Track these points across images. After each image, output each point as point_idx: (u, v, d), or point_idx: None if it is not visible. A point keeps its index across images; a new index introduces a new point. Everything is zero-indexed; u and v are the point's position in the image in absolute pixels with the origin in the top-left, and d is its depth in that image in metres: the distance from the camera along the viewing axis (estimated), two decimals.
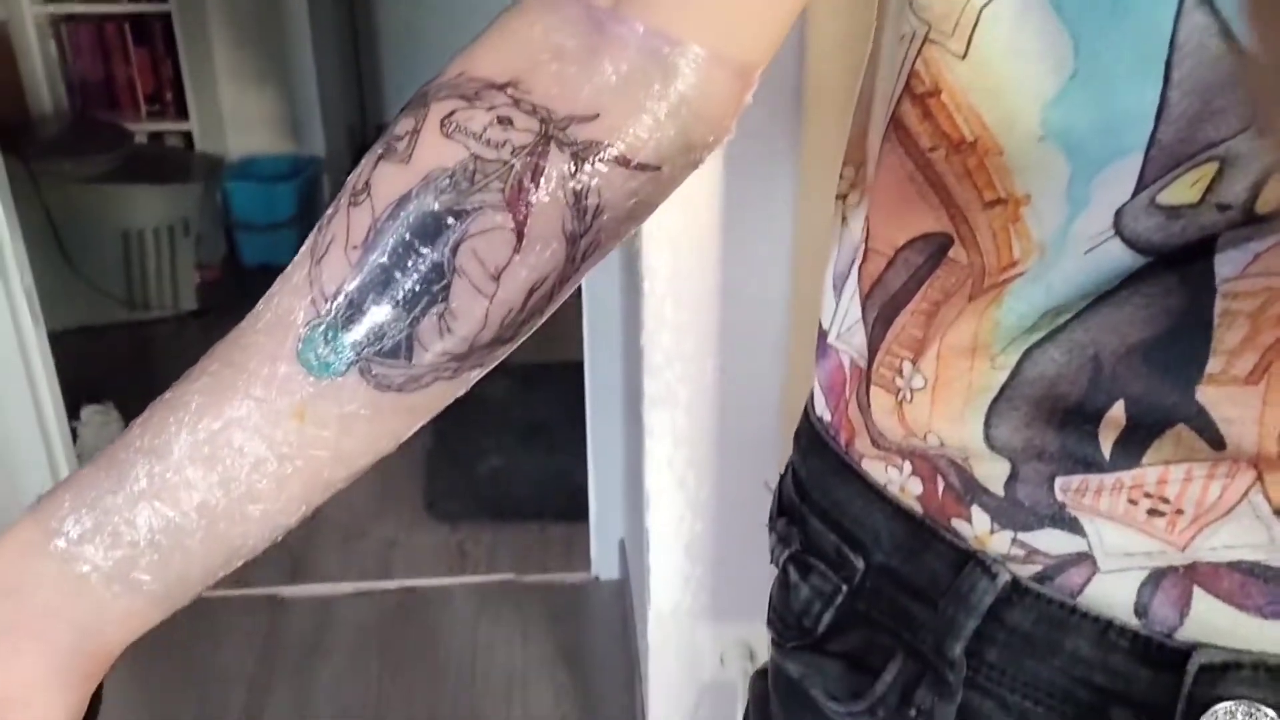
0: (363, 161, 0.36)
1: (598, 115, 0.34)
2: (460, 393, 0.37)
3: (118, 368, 2.35)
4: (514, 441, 2.18)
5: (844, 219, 0.46)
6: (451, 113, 0.34)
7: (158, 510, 0.34)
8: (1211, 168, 0.30)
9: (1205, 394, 0.33)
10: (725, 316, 1.25)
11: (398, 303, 0.33)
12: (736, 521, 1.35)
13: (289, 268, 0.36)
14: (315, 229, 0.36)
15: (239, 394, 0.34)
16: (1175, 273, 0.32)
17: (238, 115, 3.05)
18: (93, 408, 2.01)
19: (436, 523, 1.97)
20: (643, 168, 0.34)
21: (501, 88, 0.34)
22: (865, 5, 0.97)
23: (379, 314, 0.33)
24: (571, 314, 2.14)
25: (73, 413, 1.92)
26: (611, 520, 1.82)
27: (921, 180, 0.38)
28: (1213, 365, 0.33)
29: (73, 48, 2.85)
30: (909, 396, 0.40)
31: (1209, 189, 0.30)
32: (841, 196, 0.47)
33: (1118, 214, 0.32)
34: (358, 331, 0.34)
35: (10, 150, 2.33)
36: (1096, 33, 0.31)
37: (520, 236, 0.33)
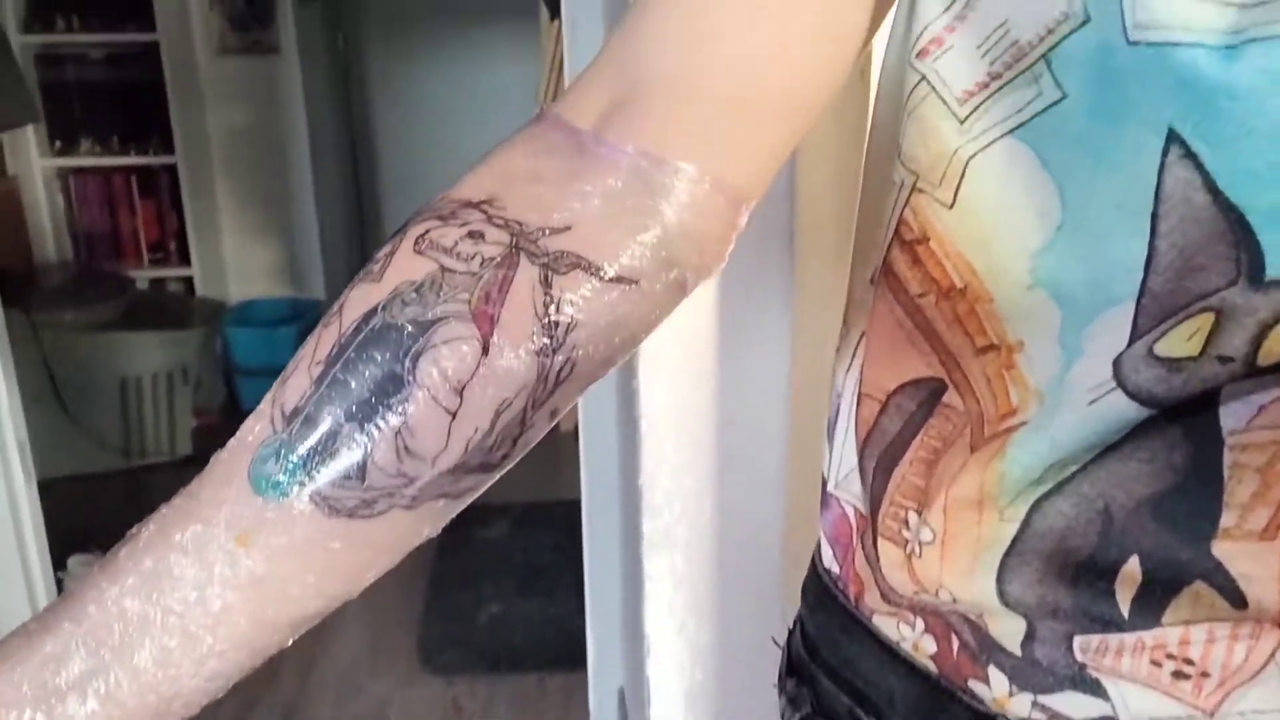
0: (345, 290, 0.35)
1: (570, 228, 0.33)
2: (429, 532, 0.34)
3: (111, 515, 2.29)
4: (512, 587, 2.13)
5: (844, 370, 0.45)
6: (426, 231, 0.34)
7: (102, 662, 0.31)
8: (1208, 319, 0.30)
9: (1221, 549, 0.32)
10: (724, 454, 1.24)
11: (355, 418, 0.31)
12: (739, 669, 1.30)
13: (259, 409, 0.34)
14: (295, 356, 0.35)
15: (189, 521, 0.32)
16: (1180, 425, 0.32)
17: (240, 262, 3.11)
18: (80, 558, 1.97)
19: (432, 676, 1.90)
20: (618, 280, 0.33)
21: (477, 205, 0.34)
22: (853, 149, 1.00)
23: (334, 429, 0.31)
24: (569, 452, 2.13)
25: (60, 562, 1.88)
26: (610, 668, 1.75)
27: (911, 326, 0.38)
28: (1226, 520, 0.32)
29: (79, 199, 2.92)
30: (918, 550, 0.38)
31: (1208, 341, 0.30)
32: (838, 348, 0.47)
33: (1116, 364, 0.32)
34: (310, 449, 0.31)
35: (12, 300, 2.37)
36: (1082, 185, 0.31)
37: (485, 349, 0.32)
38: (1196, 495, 0.32)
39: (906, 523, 0.39)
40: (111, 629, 0.31)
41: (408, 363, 0.31)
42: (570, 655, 1.85)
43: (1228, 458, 0.31)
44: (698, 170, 0.34)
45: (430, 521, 0.34)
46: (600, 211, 0.33)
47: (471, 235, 0.33)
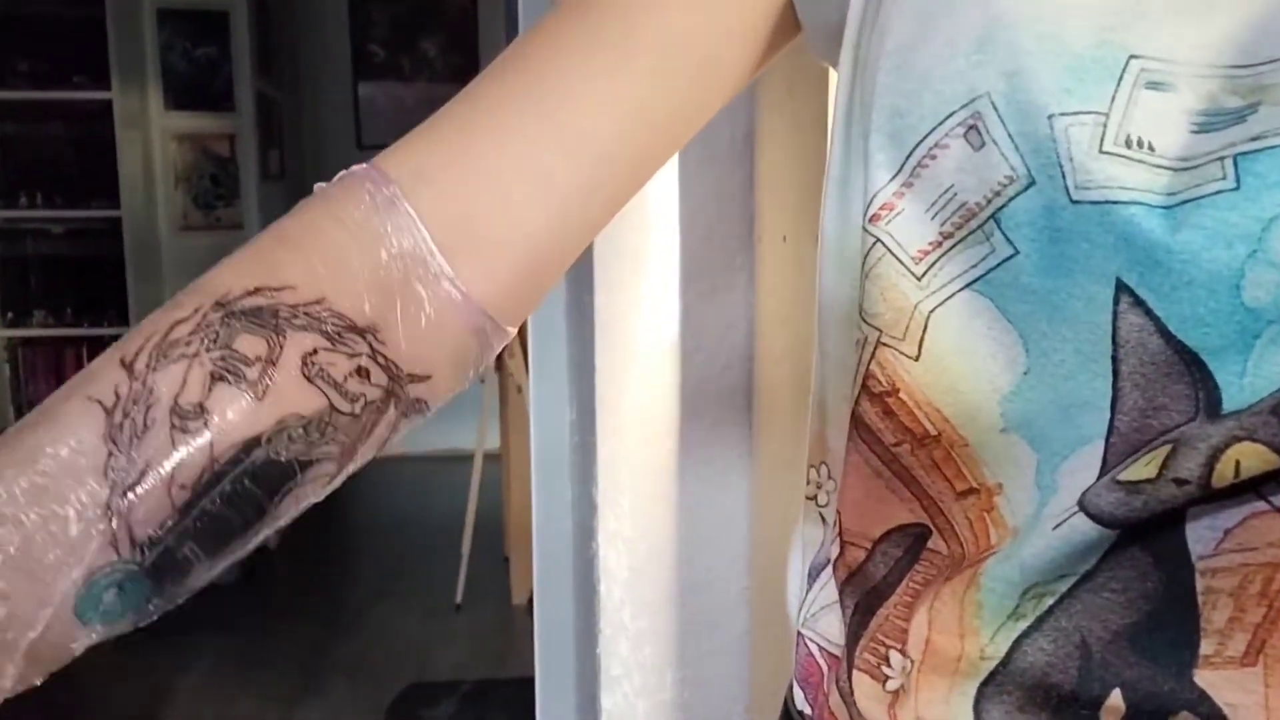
0: (184, 369, 0.31)
1: (430, 377, 0.36)
2: None
3: None
4: None
5: (822, 519, 0.45)
6: (315, 351, 0.33)
7: None
8: (1166, 449, 0.31)
9: (1204, 678, 0.32)
10: (684, 621, 1.21)
11: (214, 549, 0.31)
12: None
13: (47, 474, 0.29)
14: (107, 429, 0.30)
15: None
16: (1149, 554, 0.32)
17: None
18: None
19: None
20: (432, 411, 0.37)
21: (363, 333, 0.34)
22: (810, 317, 1.03)
23: (191, 563, 0.30)
24: (521, 628, 2.06)
25: None
26: None
27: (890, 475, 0.38)
28: (1205, 647, 0.32)
29: (28, 369, 2.89)
30: (902, 684, 0.38)
31: (1164, 465, 0.31)
32: (811, 497, 0.47)
33: (1081, 494, 0.32)
34: (160, 581, 0.30)
35: None
36: (1043, 333, 0.32)
37: (334, 478, 0.34)
38: (1173, 624, 0.32)
39: (887, 659, 0.39)
40: None
41: (278, 499, 0.32)
42: None
43: (1200, 583, 0.31)
44: (510, 328, 0.38)
45: None
46: (452, 365, 0.36)
47: (359, 373, 0.34)
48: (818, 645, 0.43)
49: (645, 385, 1.15)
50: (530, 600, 1.62)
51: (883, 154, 0.35)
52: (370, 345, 0.34)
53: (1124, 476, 0.31)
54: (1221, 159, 0.29)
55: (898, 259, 0.35)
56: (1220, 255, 0.28)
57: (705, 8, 0.39)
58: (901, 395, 0.36)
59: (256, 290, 0.33)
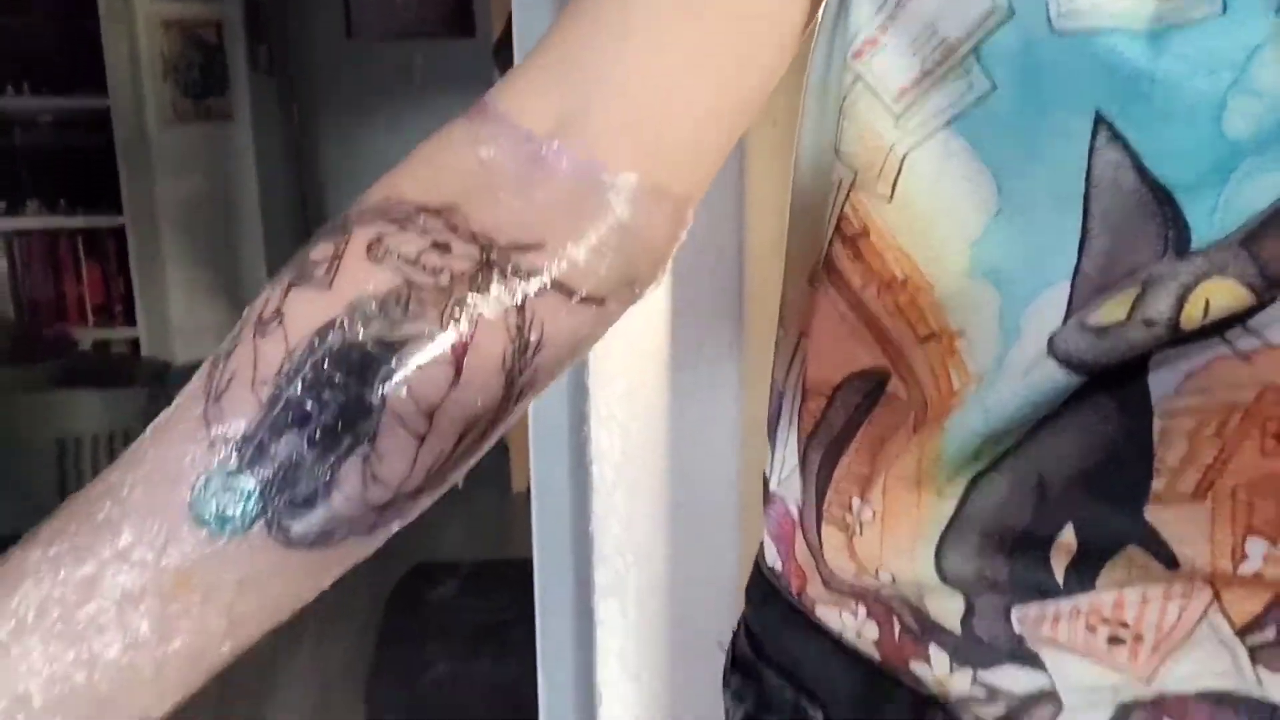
0: (267, 290, 0.32)
1: (542, 244, 0.32)
2: (369, 551, 0.33)
3: None
4: (462, 647, 2.09)
5: (785, 369, 0.47)
6: (380, 237, 0.32)
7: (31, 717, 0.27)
8: (1135, 289, 0.31)
9: (1153, 513, 0.33)
10: (675, 502, 1.24)
11: (317, 445, 0.29)
12: (694, 716, 1.29)
13: (172, 409, 0.31)
14: (209, 364, 0.31)
15: (111, 560, 0.28)
16: (1111, 396, 0.33)
17: (187, 323, 3.08)
18: None
19: None
20: (586, 301, 0.33)
21: (436, 213, 0.32)
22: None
23: (293, 458, 0.29)
24: (520, 512, 2.11)
25: None
26: None
27: (854, 319, 0.39)
28: (1157, 485, 0.33)
29: (24, 262, 2.89)
30: (859, 530, 0.39)
31: (1134, 307, 0.31)
32: (775, 353, 0.48)
33: (1050, 339, 0.33)
34: (267, 479, 0.29)
35: None
36: (1016, 172, 0.33)
37: (458, 371, 0.30)
38: (1128, 464, 0.33)
39: (849, 507, 0.40)
40: (19, 685, 0.27)
41: (377, 386, 0.30)
42: (522, 716, 1.81)
43: (1157, 425, 0.32)
44: (645, 179, 0.34)
45: (381, 540, 0.33)
46: (566, 227, 0.33)
47: (437, 246, 0.31)
48: (793, 504, 0.45)
49: None
50: (529, 488, 1.66)
51: None
52: (446, 221, 0.32)
53: (1093, 320, 0.32)
54: None
55: (877, 97, 0.35)
56: (1202, 84, 0.28)
57: None
58: (872, 238, 0.37)
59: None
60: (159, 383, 2.83)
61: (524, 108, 0.35)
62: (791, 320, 0.45)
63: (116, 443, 2.59)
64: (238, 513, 0.29)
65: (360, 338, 0.30)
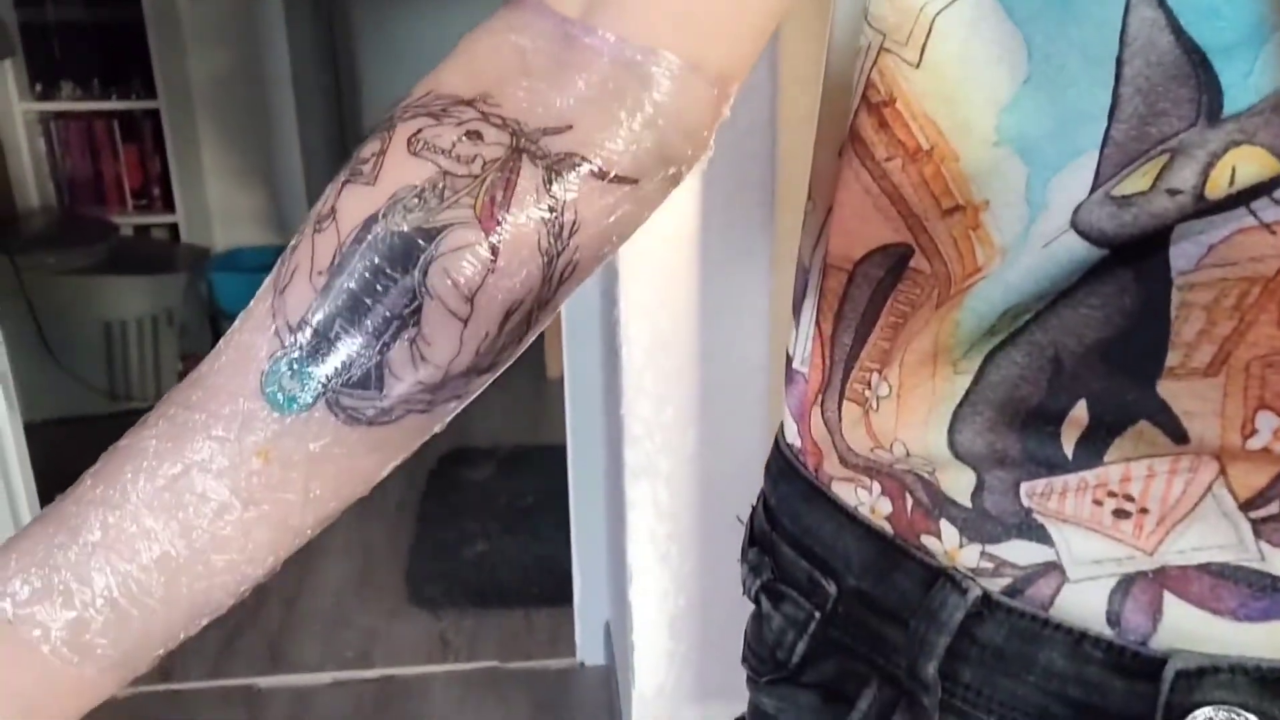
0: (328, 190, 0.34)
1: (570, 127, 0.33)
2: (435, 428, 0.35)
3: (96, 458, 2.32)
4: (498, 527, 2.16)
5: (811, 245, 0.46)
6: (418, 131, 0.33)
7: (114, 565, 0.31)
8: (1163, 159, 0.30)
9: (1165, 388, 0.33)
10: (705, 384, 1.25)
11: (367, 329, 0.31)
12: (721, 596, 1.33)
13: (251, 304, 0.34)
14: (279, 261, 0.34)
15: (199, 435, 0.31)
16: (1130, 269, 0.32)
17: (224, 208, 3.09)
18: None
19: (419, 610, 1.93)
20: (620, 180, 0.33)
21: (470, 102, 0.33)
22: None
23: (347, 342, 0.31)
24: (555, 398, 2.14)
25: (48, 503, 1.89)
26: (597, 604, 1.78)
27: (878, 192, 0.38)
28: (1171, 359, 0.32)
29: (62, 144, 2.90)
30: (875, 405, 0.40)
31: (1159, 176, 0.30)
32: (804, 227, 0.47)
33: (1075, 211, 0.32)
34: (325, 361, 0.31)
35: None
36: (1049, 35, 0.31)
37: (495, 255, 0.32)
38: (1144, 337, 0.33)
39: (869, 383, 0.40)
40: (135, 543, 0.31)
41: (417, 273, 0.31)
42: (556, 591, 1.87)
43: (1175, 298, 0.32)
44: (683, 59, 0.33)
45: (440, 419, 0.34)
46: (597, 108, 0.33)
47: (469, 135, 0.32)
48: (811, 381, 0.45)
49: None
50: (563, 374, 1.67)
51: None
52: (479, 110, 0.33)
53: (1117, 190, 0.31)
54: None
55: None
56: None
57: None
58: (898, 105, 0.36)
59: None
60: (199, 268, 2.87)
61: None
62: (820, 194, 0.44)
63: (160, 325, 2.64)
64: (300, 393, 0.32)
65: (400, 226, 0.32)
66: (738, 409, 1.27)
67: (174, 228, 2.98)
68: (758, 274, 1.22)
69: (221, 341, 0.34)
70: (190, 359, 2.80)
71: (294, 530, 0.33)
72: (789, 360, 0.48)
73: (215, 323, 2.93)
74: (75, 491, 0.32)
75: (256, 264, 2.98)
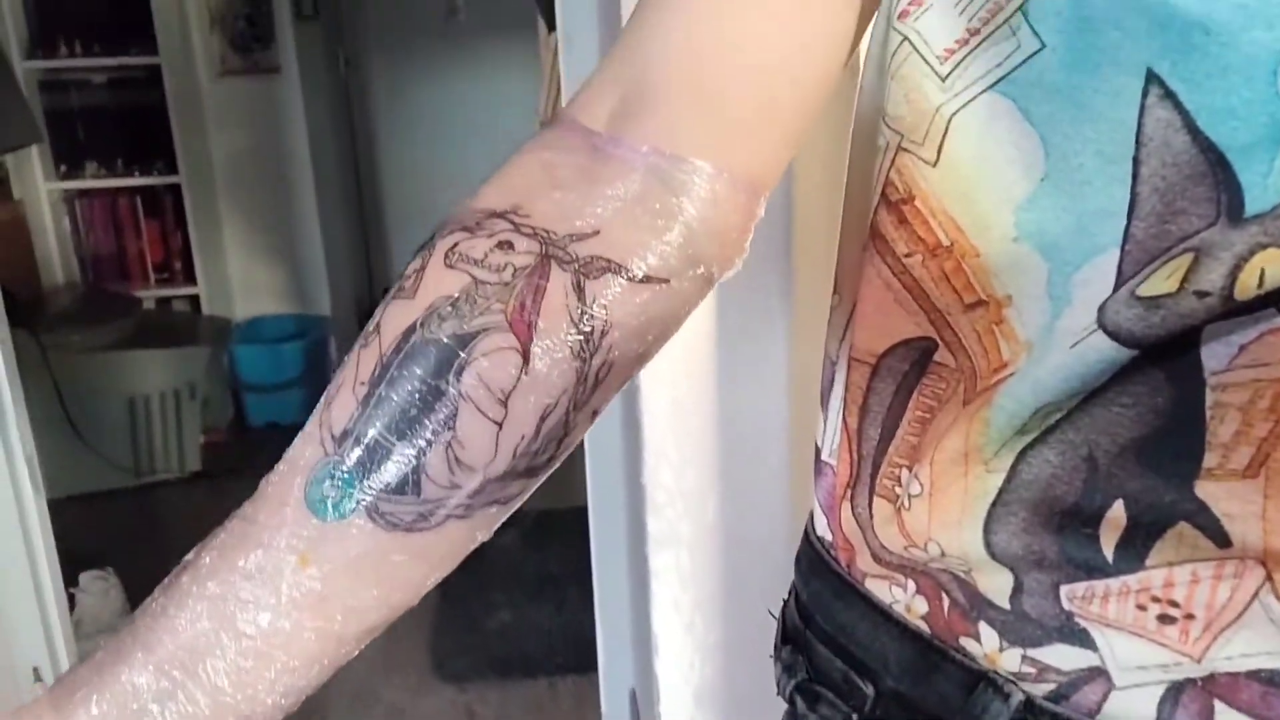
0: (377, 310, 0.36)
1: (598, 232, 0.34)
2: (482, 537, 0.35)
3: (120, 533, 2.32)
4: (523, 595, 2.14)
5: (838, 339, 0.46)
6: (455, 245, 0.34)
7: (181, 686, 0.32)
8: (1187, 258, 0.30)
9: (1204, 489, 0.32)
10: (725, 450, 1.24)
11: (405, 436, 0.32)
12: (746, 665, 1.30)
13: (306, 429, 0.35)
14: (331, 384, 0.36)
15: (250, 546, 0.33)
16: (1162, 369, 0.32)
17: (245, 280, 3.13)
18: (92, 574, 1.97)
19: (444, 684, 1.91)
20: (649, 280, 0.34)
21: (502, 214, 0.34)
22: (847, 146, 1.00)
23: (386, 449, 0.32)
24: (580, 461, 2.13)
25: (72, 580, 1.89)
26: (621, 670, 1.75)
27: (900, 287, 0.38)
28: (1209, 460, 0.32)
29: (85, 222, 2.95)
30: (907, 504, 0.39)
31: (1185, 278, 0.30)
32: (830, 320, 0.47)
33: (1100, 308, 0.32)
34: (365, 469, 0.32)
35: (20, 323, 2.38)
36: (1065, 134, 0.31)
37: (526, 358, 0.32)
38: (1179, 437, 0.32)
39: (899, 480, 0.39)
40: (186, 655, 0.32)
41: (452, 378, 0.32)
42: (581, 659, 1.85)
43: (1209, 398, 0.31)
44: (714, 166, 0.34)
45: (484, 527, 0.35)
46: (624, 214, 0.34)
47: (501, 245, 0.34)
48: (843, 473, 0.44)
49: None
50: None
51: None
52: (510, 221, 0.34)
53: (1143, 291, 0.31)
54: None
55: (923, 58, 0.34)
56: (1260, 37, 0.27)
57: None
58: (917, 203, 0.36)
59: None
60: (221, 340, 2.89)
61: (588, 109, 0.37)
62: (845, 288, 0.44)
63: (183, 397, 2.66)
64: (341, 500, 0.32)
65: (436, 335, 0.33)
66: (758, 474, 1.26)
67: (195, 300, 3.01)
68: (775, 337, 1.22)
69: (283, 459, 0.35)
70: (213, 432, 2.81)
71: (338, 638, 0.33)
72: (817, 451, 0.47)
73: (237, 395, 2.95)
74: (147, 607, 0.33)
75: (277, 334, 3.00)
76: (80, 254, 2.96)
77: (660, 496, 1.25)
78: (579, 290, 0.33)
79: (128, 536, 2.30)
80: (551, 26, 1.78)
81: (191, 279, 2.99)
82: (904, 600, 0.41)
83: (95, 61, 2.83)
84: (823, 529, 0.47)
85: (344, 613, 0.33)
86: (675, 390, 1.21)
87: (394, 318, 0.34)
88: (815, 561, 0.47)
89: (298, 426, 0.35)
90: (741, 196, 0.35)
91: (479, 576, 2.19)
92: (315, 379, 2.99)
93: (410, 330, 0.33)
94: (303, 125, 3.04)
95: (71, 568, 1.78)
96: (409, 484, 0.32)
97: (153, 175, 2.91)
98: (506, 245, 0.34)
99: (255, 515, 0.33)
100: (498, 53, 3.48)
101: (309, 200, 3.09)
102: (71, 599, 1.83)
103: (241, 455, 2.75)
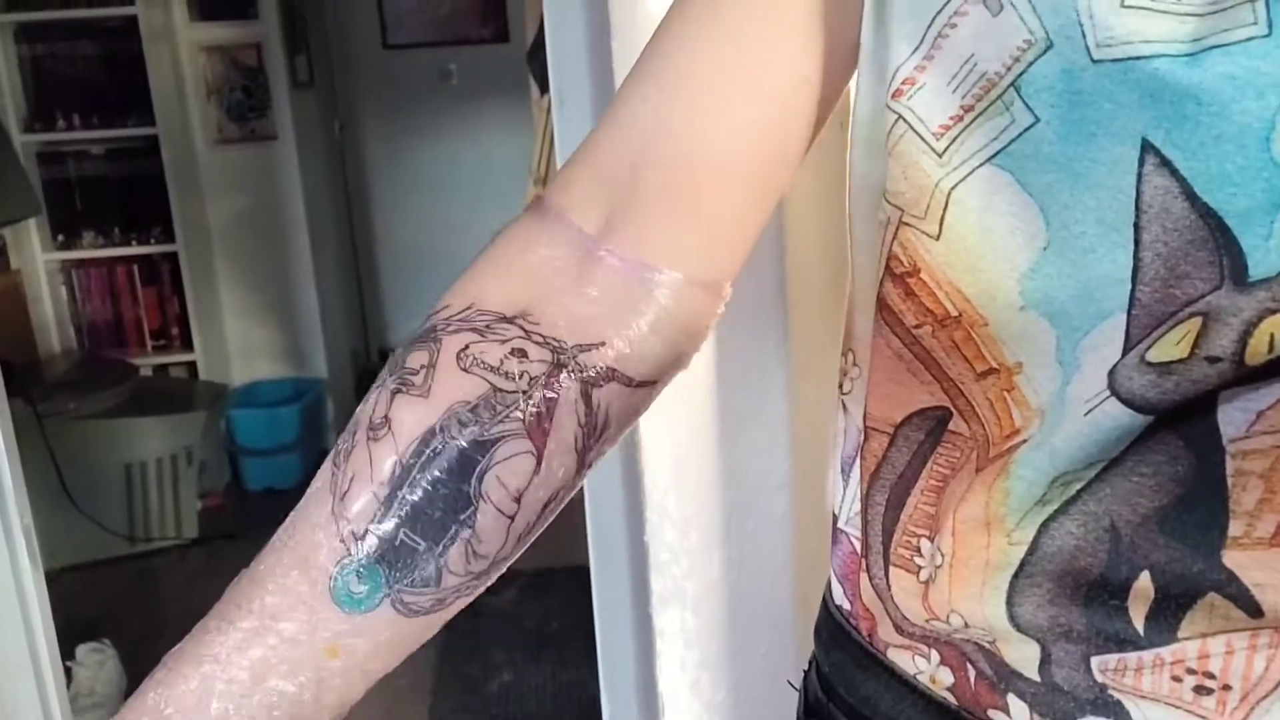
0: (373, 395, 0.37)
1: (603, 343, 0.37)
2: (470, 600, 0.38)
3: (117, 601, 2.30)
4: (522, 655, 2.11)
5: (845, 407, 0.46)
6: (466, 346, 0.36)
7: None
8: (1196, 323, 0.30)
9: (1232, 559, 0.32)
10: (728, 506, 1.24)
11: (429, 535, 0.35)
12: None
13: (304, 503, 0.37)
14: (330, 463, 0.37)
15: (270, 638, 0.34)
16: (1179, 436, 0.32)
17: (242, 345, 3.13)
18: (88, 646, 1.95)
19: None
20: (643, 385, 0.37)
21: (512, 320, 0.37)
22: (838, 197, 1.02)
23: (410, 548, 0.35)
24: (576, 517, 2.12)
25: (68, 653, 1.86)
26: None
27: (911, 357, 0.38)
28: (1234, 529, 0.32)
29: (83, 290, 2.96)
30: (928, 575, 0.39)
31: (1196, 343, 0.30)
32: (839, 386, 0.47)
33: (1111, 373, 0.32)
34: (390, 566, 0.35)
35: (17, 392, 2.38)
36: (1064, 204, 0.31)
37: (539, 460, 0.36)
38: (1202, 506, 0.32)
39: (919, 550, 0.39)
40: None
41: (474, 481, 0.35)
42: (585, 719, 1.82)
43: (1230, 466, 0.31)
44: (687, 275, 0.38)
45: (476, 594, 0.38)
46: (621, 322, 0.37)
47: (515, 353, 0.36)
48: (860, 542, 0.44)
49: None
50: (582, 491, 1.66)
51: (904, 27, 0.34)
52: (522, 328, 0.37)
53: (1153, 356, 0.31)
54: (1252, 1, 0.27)
55: (919, 135, 0.34)
56: (1250, 106, 0.27)
57: None
58: (922, 275, 0.36)
59: (425, 319, 0.38)
60: (218, 405, 2.89)
61: (578, 206, 0.39)
62: (860, 357, 0.44)
63: (179, 463, 2.65)
64: (367, 596, 0.35)
65: (458, 440, 0.35)
66: (761, 529, 1.25)
67: (192, 366, 3.01)
68: (774, 390, 1.22)
69: (275, 542, 0.36)
70: (210, 497, 2.80)
71: (349, 701, 0.36)
72: (834, 519, 0.47)
73: (234, 460, 2.93)
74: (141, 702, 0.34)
75: (274, 398, 3.00)
76: (77, 322, 2.97)
77: (664, 554, 1.24)
78: (587, 399, 0.36)
79: (124, 605, 2.28)
80: (544, 88, 1.81)
81: (188, 345, 2.99)
82: (928, 671, 0.41)
83: (93, 134, 2.86)
84: (839, 597, 0.46)
85: (361, 680, 0.36)
86: (676, 446, 1.21)
87: (408, 416, 0.35)
88: (836, 631, 0.46)
89: (295, 490, 0.37)
90: (710, 295, 0.39)
91: (477, 637, 2.17)
92: (312, 443, 2.98)
93: (430, 435, 0.35)
94: (299, 190, 3.06)
95: (68, 639, 1.75)
96: (431, 578, 0.35)
97: (150, 243, 2.93)
98: (520, 353, 0.36)
99: (275, 609, 0.35)
100: (490, 115, 3.53)
101: (305, 263, 3.11)
102: (68, 671, 1.81)
103: (239, 520, 2.73)
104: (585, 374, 0.36)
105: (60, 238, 2.91)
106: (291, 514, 0.37)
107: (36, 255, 2.87)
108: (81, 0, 2.79)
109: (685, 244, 0.38)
